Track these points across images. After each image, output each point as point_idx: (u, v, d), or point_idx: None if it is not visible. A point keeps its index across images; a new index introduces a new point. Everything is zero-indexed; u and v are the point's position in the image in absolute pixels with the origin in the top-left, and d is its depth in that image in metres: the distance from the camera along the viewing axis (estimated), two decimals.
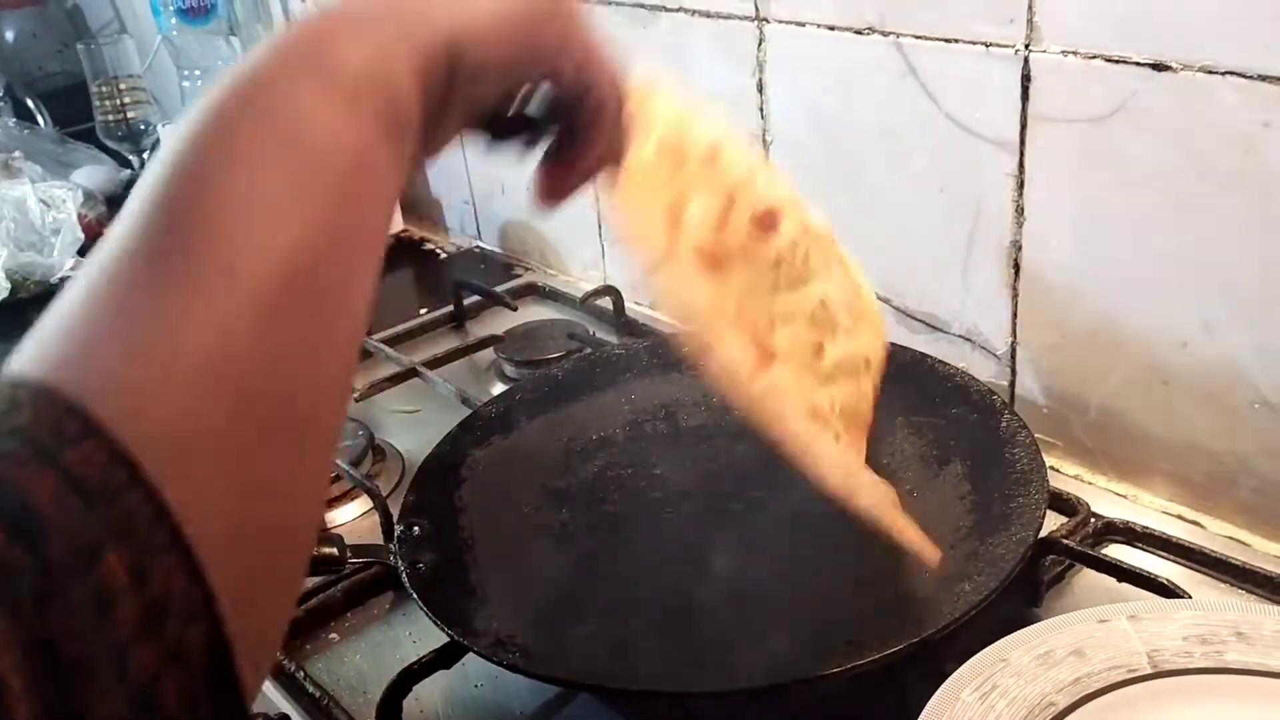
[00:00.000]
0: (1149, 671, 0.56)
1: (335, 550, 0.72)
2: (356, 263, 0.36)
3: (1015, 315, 0.85)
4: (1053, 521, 0.75)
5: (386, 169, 0.37)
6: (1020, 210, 0.81)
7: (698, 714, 0.62)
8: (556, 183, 0.49)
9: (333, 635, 0.77)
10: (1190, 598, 0.65)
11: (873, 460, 0.75)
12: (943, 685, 0.55)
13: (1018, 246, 0.82)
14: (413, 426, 1.00)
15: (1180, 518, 0.79)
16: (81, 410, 0.28)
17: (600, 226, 1.21)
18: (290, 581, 0.34)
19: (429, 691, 0.70)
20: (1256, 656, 0.56)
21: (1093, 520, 0.76)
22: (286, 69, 0.36)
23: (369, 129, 0.36)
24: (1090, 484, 0.83)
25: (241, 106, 0.35)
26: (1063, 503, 0.77)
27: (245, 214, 0.32)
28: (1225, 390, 0.74)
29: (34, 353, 0.30)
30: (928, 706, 0.54)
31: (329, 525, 0.88)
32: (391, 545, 0.75)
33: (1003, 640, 0.58)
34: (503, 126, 0.47)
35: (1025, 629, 0.58)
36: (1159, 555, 0.74)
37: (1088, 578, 0.72)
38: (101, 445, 0.27)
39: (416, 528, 0.75)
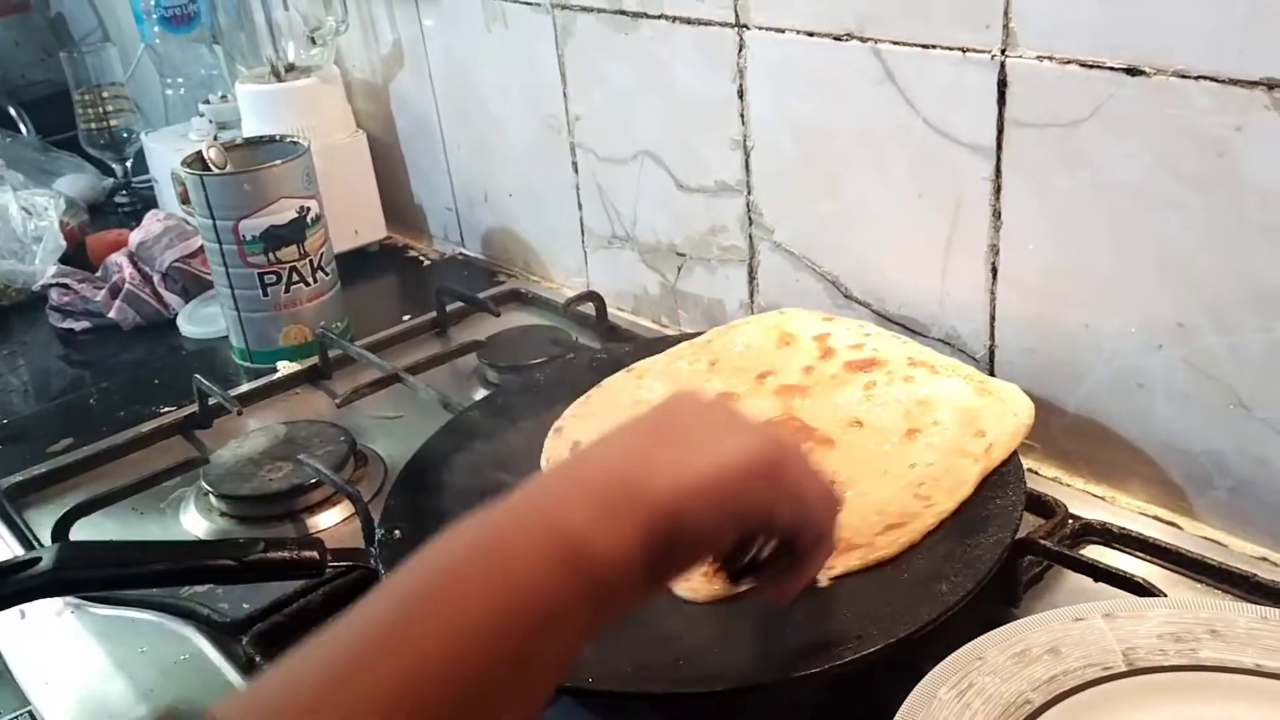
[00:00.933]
0: (1124, 669, 0.56)
1: (316, 554, 0.72)
2: (522, 694, 0.42)
3: (993, 318, 0.85)
4: (1031, 523, 0.75)
5: (574, 627, 0.43)
6: (997, 214, 0.82)
7: (675, 715, 0.62)
8: (781, 594, 0.55)
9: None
10: (1166, 596, 0.65)
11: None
12: (919, 684, 0.55)
13: (995, 250, 0.83)
14: (395, 432, 1.00)
15: (1157, 519, 0.79)
16: None
17: (583, 233, 1.21)
18: None
19: None
20: (1231, 653, 0.57)
21: (1070, 521, 0.76)
22: (522, 514, 0.45)
23: (570, 588, 0.42)
24: (1068, 486, 0.84)
25: (472, 549, 0.44)
26: (1041, 504, 0.78)
27: (446, 624, 0.41)
28: (1200, 392, 0.74)
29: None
30: (904, 705, 0.54)
31: (310, 530, 0.88)
32: (372, 549, 0.75)
33: (979, 639, 0.58)
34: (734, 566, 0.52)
35: (1002, 628, 0.59)
36: (1136, 556, 0.74)
37: (1065, 578, 0.73)
38: None
39: (397, 531, 0.75)
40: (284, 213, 1.12)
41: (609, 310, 1.15)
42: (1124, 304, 0.76)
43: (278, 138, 1.19)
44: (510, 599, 0.41)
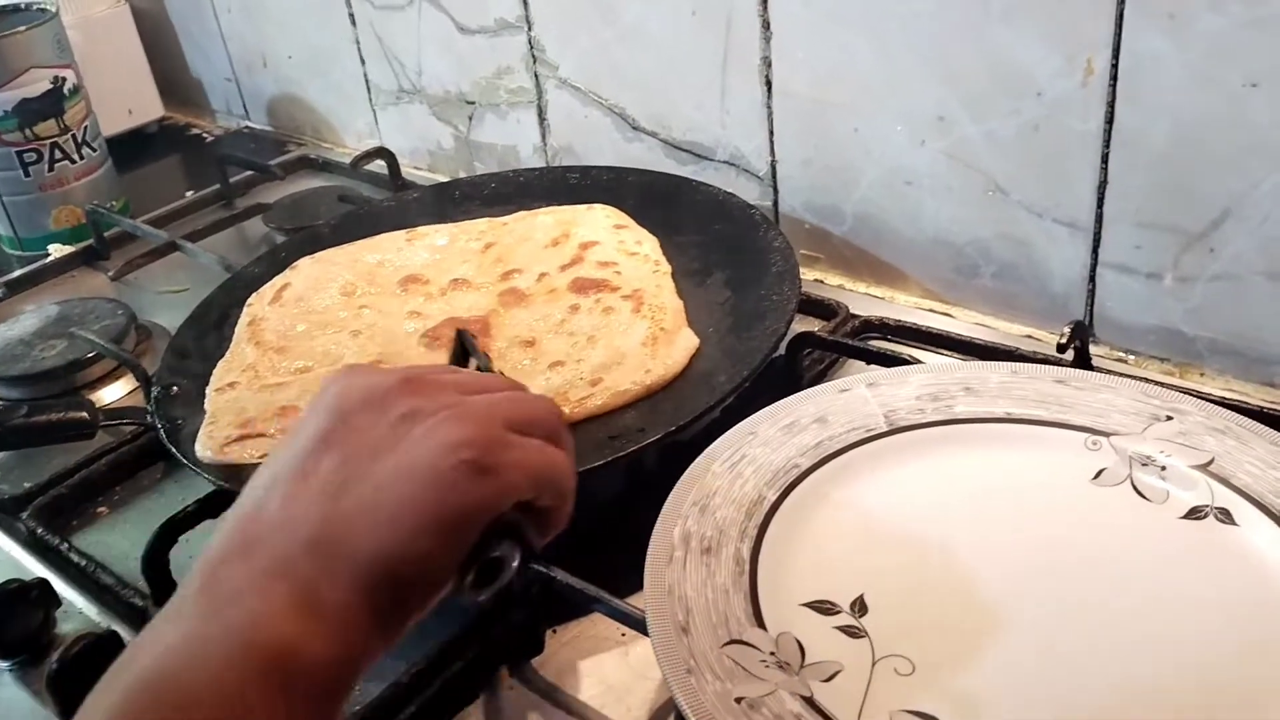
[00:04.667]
0: (885, 429, 0.59)
1: (85, 414, 0.69)
2: None
3: (772, 134, 0.86)
4: (815, 325, 0.78)
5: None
6: (767, 25, 0.82)
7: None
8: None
9: (100, 509, 0.73)
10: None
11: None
12: (695, 461, 0.57)
13: (768, 63, 0.84)
14: (180, 305, 0.95)
15: (932, 310, 0.83)
16: None
17: (369, 91, 1.17)
18: None
19: (203, 548, 0.68)
20: (983, 406, 0.60)
21: (851, 320, 0.79)
22: (207, 623, 0.37)
23: (289, 710, 0.36)
24: (851, 291, 0.87)
25: (162, 681, 0.36)
26: (824, 308, 0.80)
27: None
28: (962, 182, 0.77)
29: None
30: (680, 480, 0.56)
31: (98, 404, 0.84)
32: (148, 406, 0.72)
33: (752, 416, 0.60)
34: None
35: (773, 405, 0.61)
36: (913, 345, 0.78)
37: (847, 371, 0.75)
38: None
39: (175, 387, 0.72)
40: (36, 84, 1.04)
41: (404, 168, 1.11)
42: (888, 103, 0.78)
43: (22, 6, 1.10)
44: None
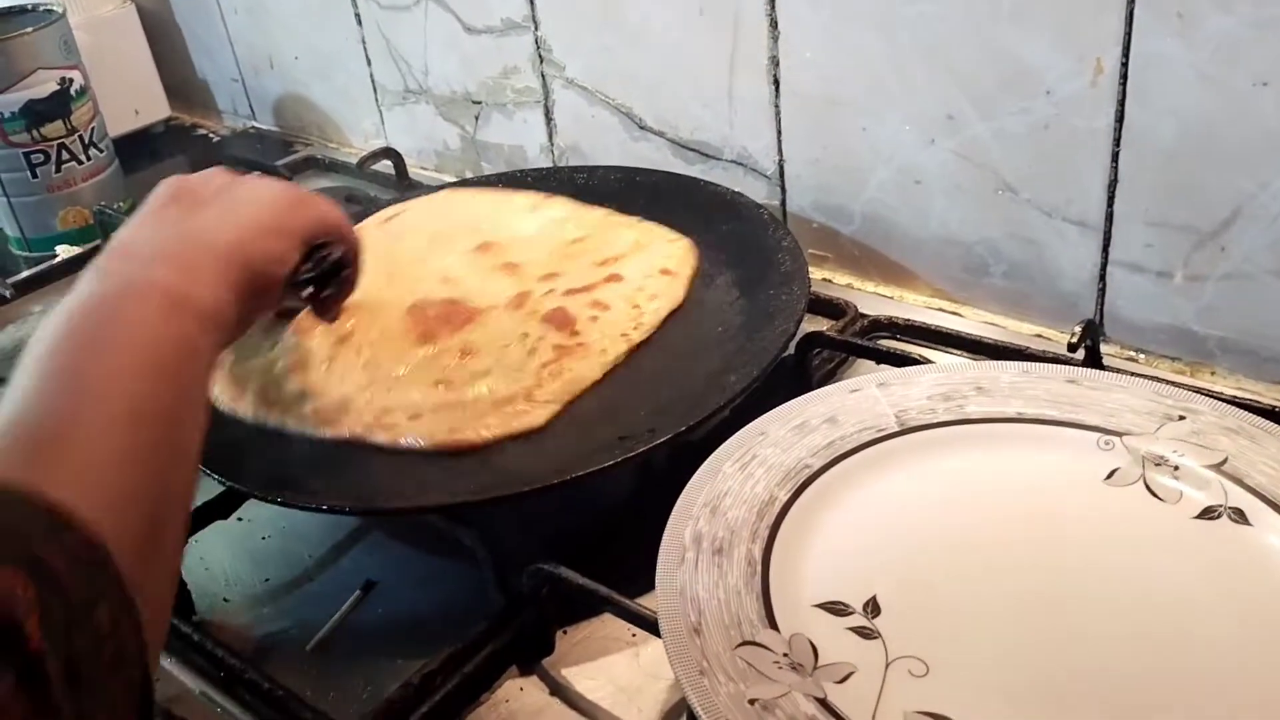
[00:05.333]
0: (896, 429, 0.59)
1: None
2: (192, 408, 0.48)
3: (779, 133, 0.86)
4: (823, 325, 0.78)
5: (205, 353, 0.50)
6: (775, 24, 0.82)
7: (485, 525, 0.61)
8: (330, 311, 0.68)
9: None
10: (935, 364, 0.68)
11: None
12: (705, 462, 0.57)
13: (775, 62, 0.83)
14: None
15: (941, 310, 0.83)
16: (66, 512, 0.37)
17: (376, 91, 1.17)
18: (168, 615, 0.44)
19: (214, 549, 0.68)
20: (995, 406, 0.60)
21: (860, 319, 0.79)
22: (120, 290, 0.49)
23: (191, 327, 0.49)
24: (860, 290, 0.86)
25: (96, 322, 0.47)
26: (833, 307, 0.80)
27: (124, 381, 0.44)
28: (971, 181, 0.77)
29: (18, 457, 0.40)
30: (691, 481, 0.56)
31: None
32: None
33: (763, 417, 0.60)
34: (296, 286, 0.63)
35: (783, 405, 0.61)
36: (922, 345, 0.78)
37: (856, 371, 0.75)
38: (81, 537, 0.37)
39: None
40: (43, 85, 1.04)
41: (411, 168, 1.11)
42: (897, 102, 0.78)
43: (29, 7, 1.10)
44: (151, 367, 0.45)
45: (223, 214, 0.56)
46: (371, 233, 0.84)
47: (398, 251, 0.83)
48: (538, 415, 0.65)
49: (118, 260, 0.51)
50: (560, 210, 0.86)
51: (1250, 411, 0.57)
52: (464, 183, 0.99)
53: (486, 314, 0.74)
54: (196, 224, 0.55)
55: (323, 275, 0.64)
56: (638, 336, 0.71)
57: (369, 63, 1.15)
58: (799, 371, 0.72)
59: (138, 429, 0.43)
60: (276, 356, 0.73)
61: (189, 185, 0.58)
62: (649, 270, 0.77)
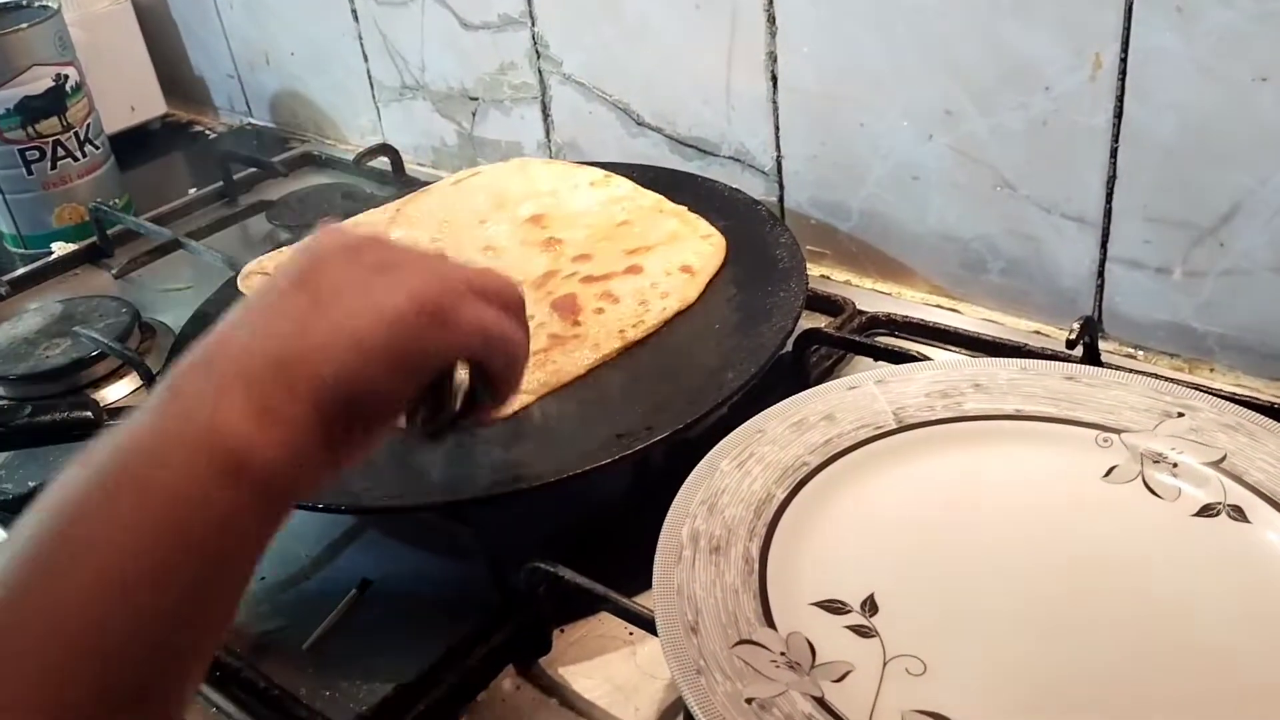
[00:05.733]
0: (894, 426, 0.59)
1: (89, 414, 0.68)
2: (212, 612, 0.38)
3: (777, 129, 0.86)
4: (821, 321, 0.77)
5: (252, 531, 0.39)
6: (772, 19, 0.81)
7: (483, 523, 0.61)
8: (481, 421, 0.50)
9: None
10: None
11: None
12: (703, 459, 0.57)
13: (773, 57, 0.83)
14: (185, 303, 0.95)
15: (939, 306, 0.82)
16: None
17: (372, 87, 1.16)
18: None
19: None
20: (993, 403, 0.60)
21: (858, 316, 0.79)
22: (171, 426, 0.39)
23: (237, 504, 0.38)
24: (858, 286, 0.86)
25: (118, 472, 0.37)
26: (830, 304, 0.80)
27: (108, 589, 0.35)
28: (969, 176, 0.77)
29: None
30: (688, 479, 0.55)
31: (102, 403, 0.84)
32: None
33: (760, 414, 0.60)
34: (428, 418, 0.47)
35: (780, 403, 0.60)
36: (920, 341, 0.77)
37: (854, 368, 0.75)
38: None
39: None
40: (38, 81, 1.03)
41: (408, 165, 1.11)
42: (895, 98, 0.78)
43: (24, 3, 1.09)
44: (171, 534, 0.36)
45: (338, 316, 0.42)
46: (444, 190, 0.88)
47: (459, 211, 0.86)
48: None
49: (195, 372, 0.40)
50: (619, 189, 0.86)
51: (1249, 408, 0.57)
52: None
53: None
54: (306, 335, 0.41)
55: (450, 413, 0.47)
56: (634, 335, 0.70)
57: (366, 59, 1.15)
58: (796, 368, 0.72)
59: (112, 667, 0.34)
60: None
61: (329, 266, 0.43)
62: (671, 266, 0.76)
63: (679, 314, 0.72)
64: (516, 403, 0.64)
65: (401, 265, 0.44)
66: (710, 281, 0.76)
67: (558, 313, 0.72)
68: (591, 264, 0.77)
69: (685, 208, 0.82)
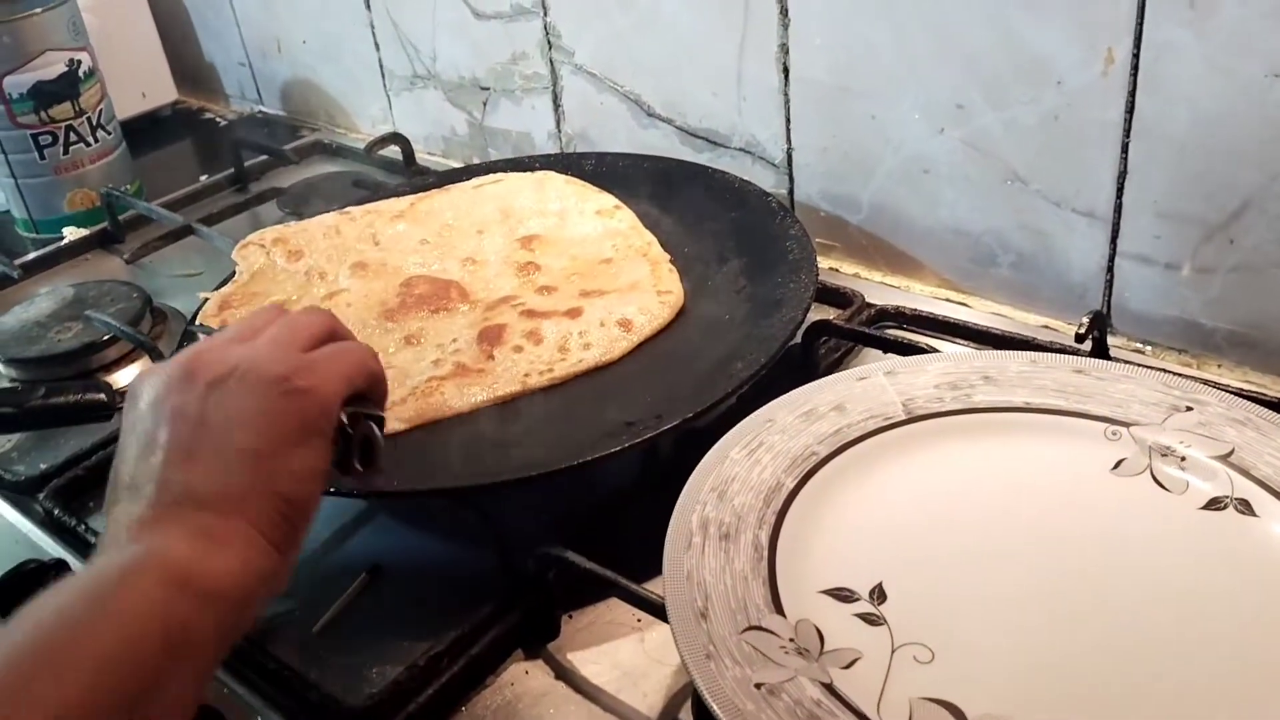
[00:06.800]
0: (904, 418, 0.59)
1: (102, 396, 0.68)
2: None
3: (788, 121, 0.86)
4: (830, 314, 0.78)
5: (200, 640, 0.41)
6: (784, 11, 0.82)
7: (492, 509, 0.62)
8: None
9: None
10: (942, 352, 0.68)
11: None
12: (713, 448, 0.57)
13: (785, 49, 0.83)
14: (195, 289, 0.95)
15: (949, 300, 0.83)
16: None
17: (384, 76, 1.17)
18: None
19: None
20: (1002, 395, 0.60)
21: (867, 309, 0.79)
22: (119, 572, 0.41)
23: (190, 610, 0.40)
24: (867, 280, 0.86)
25: (80, 599, 0.40)
26: (840, 296, 0.80)
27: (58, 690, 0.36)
28: (980, 170, 0.77)
29: None
30: (698, 467, 0.56)
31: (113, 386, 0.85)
32: None
33: (770, 404, 0.60)
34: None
35: (790, 393, 0.61)
36: (929, 335, 0.78)
37: (863, 360, 0.75)
38: None
39: None
40: (52, 67, 1.04)
41: (418, 154, 1.11)
42: (907, 91, 0.78)
43: None
44: (117, 647, 0.38)
45: (223, 443, 0.45)
46: (461, 192, 0.89)
47: (465, 217, 0.86)
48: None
49: (121, 522, 0.43)
50: (620, 223, 0.83)
51: (1257, 404, 0.57)
52: (565, 157, 0.98)
53: (459, 307, 0.76)
54: (197, 469, 0.44)
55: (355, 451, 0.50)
56: (537, 382, 0.67)
57: (377, 47, 1.15)
58: (805, 360, 0.73)
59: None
60: None
61: (171, 405, 0.46)
62: (610, 317, 0.72)
63: (598, 369, 0.69)
64: (391, 424, 0.63)
65: (230, 369, 0.47)
66: (705, 275, 0.77)
67: (479, 342, 0.70)
68: (548, 298, 0.75)
69: (669, 258, 0.78)
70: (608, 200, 0.86)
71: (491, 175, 0.92)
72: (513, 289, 0.77)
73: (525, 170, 0.93)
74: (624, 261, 0.79)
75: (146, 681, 0.38)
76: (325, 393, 0.47)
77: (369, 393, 0.51)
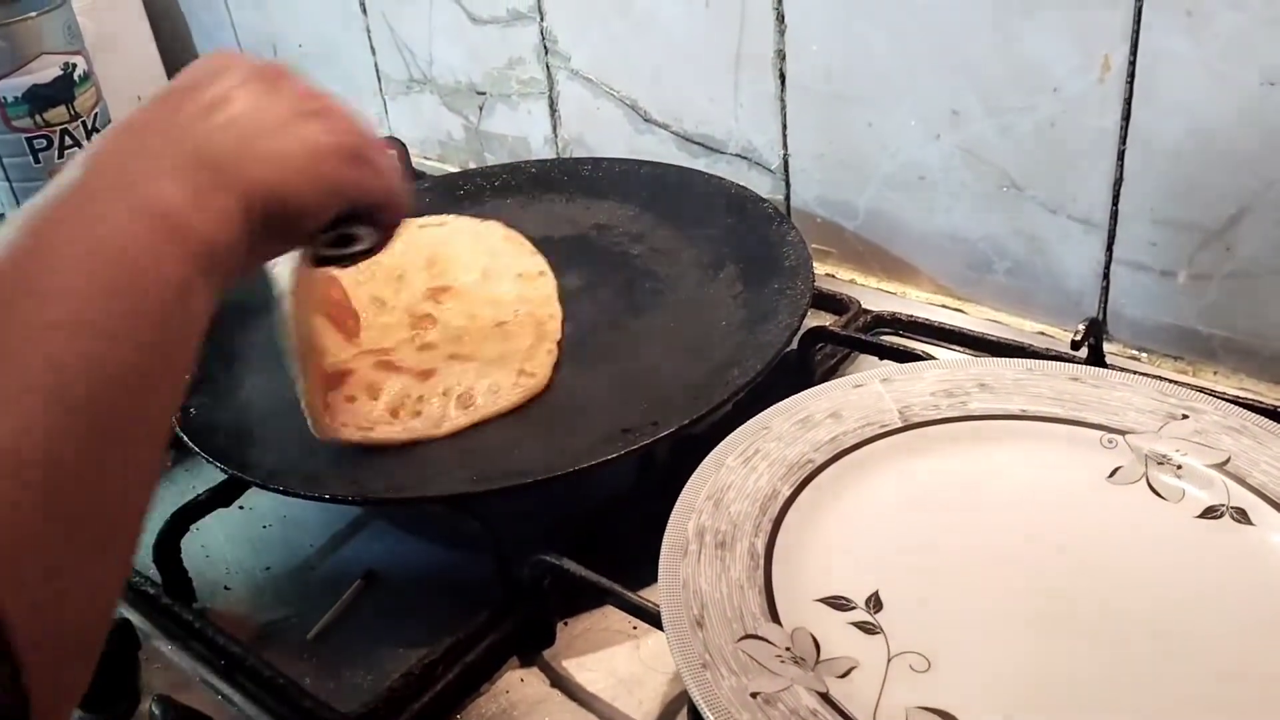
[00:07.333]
0: (900, 425, 0.59)
1: None
2: (165, 384, 0.38)
3: (785, 127, 0.86)
4: (827, 320, 0.78)
5: (201, 305, 0.39)
6: (781, 18, 0.82)
7: (488, 516, 0.61)
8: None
9: None
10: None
11: (652, 272, 0.78)
12: (708, 455, 0.57)
13: (781, 55, 0.83)
14: None
15: (945, 306, 0.83)
16: None
17: (380, 80, 1.16)
18: (92, 662, 0.35)
19: (215, 537, 0.68)
20: (998, 402, 0.60)
21: (863, 315, 0.79)
22: (106, 191, 0.38)
23: (181, 261, 0.38)
24: (863, 286, 0.86)
25: (60, 222, 0.37)
26: (836, 303, 0.80)
27: (62, 330, 0.34)
28: (976, 176, 0.77)
29: None
30: (694, 474, 0.56)
31: None
32: None
33: (765, 411, 0.60)
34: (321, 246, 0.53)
35: (786, 400, 0.60)
36: (925, 341, 0.77)
37: (859, 366, 0.75)
38: None
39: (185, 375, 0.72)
40: (47, 70, 1.03)
41: (414, 158, 1.11)
42: (903, 97, 0.78)
43: None
44: (126, 292, 0.36)
45: (269, 134, 0.45)
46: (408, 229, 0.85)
47: (394, 257, 0.81)
48: None
49: (117, 147, 0.41)
50: (538, 290, 0.79)
51: (1253, 412, 0.57)
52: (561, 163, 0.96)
53: (348, 339, 0.75)
54: (230, 135, 0.43)
55: (341, 257, 0.55)
56: (348, 435, 0.65)
57: (373, 51, 1.15)
58: (801, 366, 0.72)
59: (65, 409, 0.32)
60: None
61: (243, 72, 0.46)
62: (455, 388, 0.68)
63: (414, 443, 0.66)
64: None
65: (320, 115, 0.47)
66: (704, 278, 0.76)
67: (327, 382, 0.68)
68: (421, 355, 0.72)
69: (559, 338, 0.73)
70: (536, 264, 0.81)
71: (438, 217, 0.88)
72: (396, 341, 0.74)
73: (521, 172, 0.93)
74: (517, 331, 0.74)
75: (149, 351, 0.36)
76: (372, 173, 0.49)
77: (389, 214, 0.53)
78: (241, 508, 0.68)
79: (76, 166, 0.39)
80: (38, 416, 0.32)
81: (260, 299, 0.81)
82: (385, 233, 0.54)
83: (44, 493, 0.31)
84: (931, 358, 0.68)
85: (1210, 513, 0.53)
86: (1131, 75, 0.67)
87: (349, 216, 0.51)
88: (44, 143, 1.05)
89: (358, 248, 0.53)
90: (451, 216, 0.88)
